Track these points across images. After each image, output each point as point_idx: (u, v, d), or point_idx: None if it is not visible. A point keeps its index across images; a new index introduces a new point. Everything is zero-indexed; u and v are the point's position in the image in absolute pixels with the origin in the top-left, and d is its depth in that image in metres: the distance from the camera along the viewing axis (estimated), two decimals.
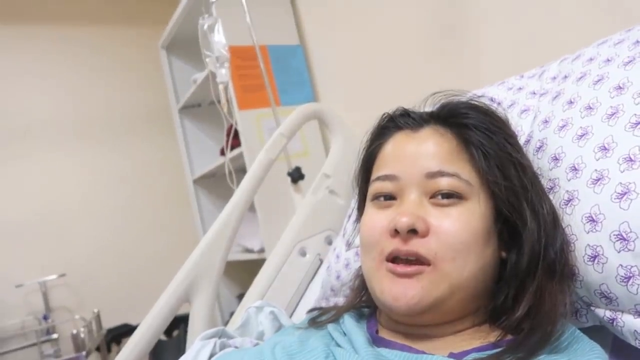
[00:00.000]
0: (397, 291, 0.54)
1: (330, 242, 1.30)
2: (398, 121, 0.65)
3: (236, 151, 1.97)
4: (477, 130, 0.59)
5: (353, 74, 1.81)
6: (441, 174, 0.57)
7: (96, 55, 2.79)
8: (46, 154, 2.62)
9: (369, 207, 0.62)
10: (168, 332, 2.38)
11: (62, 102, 2.69)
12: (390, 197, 0.60)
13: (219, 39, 1.59)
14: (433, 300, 0.54)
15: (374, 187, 0.62)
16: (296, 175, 1.54)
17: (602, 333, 0.59)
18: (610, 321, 0.54)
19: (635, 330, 0.52)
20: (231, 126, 1.84)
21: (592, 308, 0.57)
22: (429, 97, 0.67)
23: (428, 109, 0.66)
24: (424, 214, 0.56)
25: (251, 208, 1.85)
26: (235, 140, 1.95)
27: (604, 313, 0.56)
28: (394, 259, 0.56)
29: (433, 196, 0.57)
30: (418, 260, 0.54)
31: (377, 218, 0.59)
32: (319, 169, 1.40)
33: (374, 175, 0.63)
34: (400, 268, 0.55)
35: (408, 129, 0.63)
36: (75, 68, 2.74)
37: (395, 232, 0.56)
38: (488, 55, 1.25)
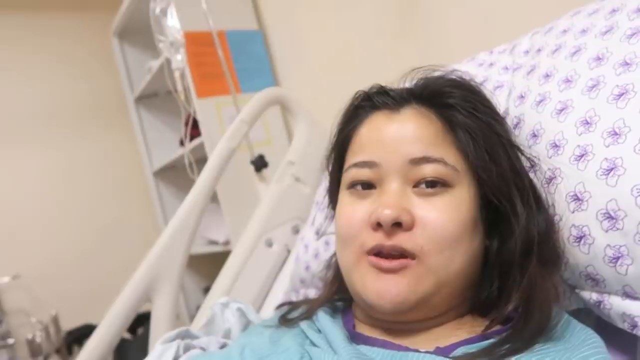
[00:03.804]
0: (380, 287, 0.50)
1: (297, 232, 1.26)
2: (375, 100, 0.59)
3: (197, 141, 1.90)
4: (463, 110, 0.54)
5: (315, 58, 1.75)
6: (426, 159, 0.52)
7: (42, 45, 2.62)
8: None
9: (345, 196, 0.57)
10: (132, 329, 2.30)
11: (6, 95, 2.53)
12: (368, 185, 0.55)
13: (173, 24, 1.52)
14: (419, 297, 0.50)
15: (351, 174, 0.56)
16: (259, 164, 1.48)
17: (584, 315, 0.57)
18: (597, 304, 0.52)
19: (623, 312, 0.49)
20: (189, 115, 1.77)
21: (577, 291, 0.55)
22: (408, 73, 0.61)
23: (401, 87, 0.62)
24: (408, 204, 0.51)
25: (215, 199, 1.79)
26: (195, 130, 1.88)
27: (589, 295, 0.53)
28: (376, 253, 0.51)
29: (416, 185, 0.52)
30: (402, 254, 0.50)
31: (356, 209, 0.54)
32: (283, 158, 1.35)
33: (349, 161, 0.58)
34: (385, 263, 0.50)
35: (386, 109, 0.57)
36: (21, 58, 2.57)
37: (378, 226, 0.51)
38: (454, 31, 1.22)
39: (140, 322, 2.21)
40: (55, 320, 2.20)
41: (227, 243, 2.00)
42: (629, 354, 0.52)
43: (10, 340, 2.24)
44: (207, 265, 2.34)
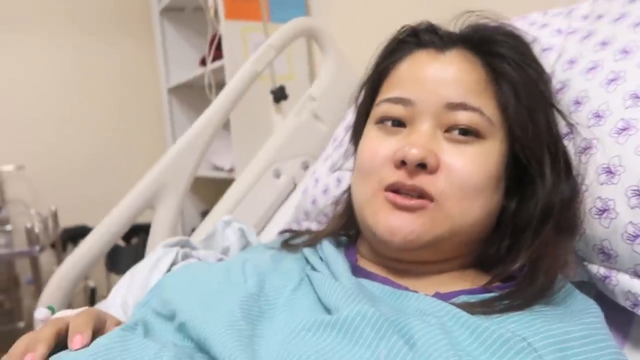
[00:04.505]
0: (394, 224, 0.49)
1: (306, 167, 1.25)
2: (422, 37, 0.57)
3: (217, 63, 1.86)
4: (512, 61, 0.52)
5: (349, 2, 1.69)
6: (463, 106, 0.50)
7: None
8: (11, 43, 2.44)
9: (372, 130, 0.56)
10: (127, 239, 2.34)
11: None
12: (399, 123, 0.53)
13: None
14: (432, 238, 0.49)
15: (382, 109, 0.55)
16: (279, 95, 1.46)
17: (585, 289, 0.56)
18: (603, 279, 0.52)
19: (628, 290, 0.49)
20: (216, 34, 1.73)
21: (585, 263, 0.55)
22: (460, 15, 0.58)
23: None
24: (437, 148, 0.50)
25: (226, 126, 1.78)
26: (217, 51, 1.84)
27: (597, 270, 0.53)
28: (394, 190, 0.50)
29: (448, 130, 0.51)
30: (421, 195, 0.49)
31: (382, 144, 0.53)
32: (302, 95, 1.32)
33: (383, 95, 0.56)
34: (401, 199, 0.49)
35: (432, 48, 0.55)
36: None
37: (401, 164, 0.50)
38: None
39: (136, 233, 2.25)
40: (55, 215, 2.23)
41: (231, 170, 2.00)
42: (621, 332, 0.53)
43: (9, 227, 2.28)
44: (208, 190, 2.35)
